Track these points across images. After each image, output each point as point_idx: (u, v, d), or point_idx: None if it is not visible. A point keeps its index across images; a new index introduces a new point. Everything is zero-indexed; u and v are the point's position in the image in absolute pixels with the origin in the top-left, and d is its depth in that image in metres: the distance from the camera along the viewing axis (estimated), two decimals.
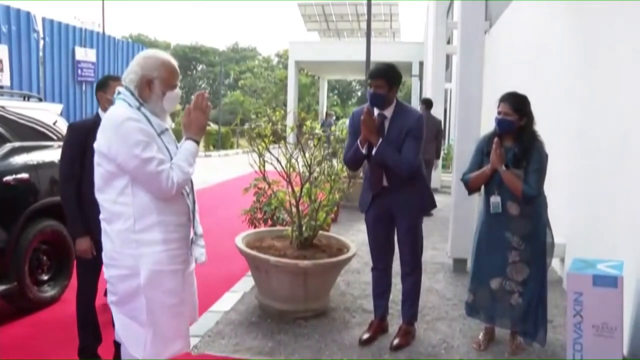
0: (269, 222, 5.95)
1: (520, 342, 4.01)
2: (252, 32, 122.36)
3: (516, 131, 3.78)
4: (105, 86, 3.69)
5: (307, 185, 4.80)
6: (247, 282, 5.37)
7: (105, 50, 12.29)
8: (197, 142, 2.69)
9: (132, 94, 2.57)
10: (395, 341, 4.04)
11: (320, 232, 4.93)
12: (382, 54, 23.91)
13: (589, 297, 3.63)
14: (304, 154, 4.80)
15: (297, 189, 4.78)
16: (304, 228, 4.66)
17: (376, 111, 3.90)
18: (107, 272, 2.63)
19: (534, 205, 3.76)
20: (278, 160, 4.80)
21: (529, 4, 8.01)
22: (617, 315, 3.58)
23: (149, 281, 2.52)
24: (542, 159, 3.74)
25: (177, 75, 2.68)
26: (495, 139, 3.75)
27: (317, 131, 5.24)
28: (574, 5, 5.77)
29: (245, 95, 46.72)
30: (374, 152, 3.83)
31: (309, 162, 4.77)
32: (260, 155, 4.75)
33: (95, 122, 3.60)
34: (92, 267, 3.50)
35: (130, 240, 2.51)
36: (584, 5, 5.43)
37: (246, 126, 5.39)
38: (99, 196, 2.60)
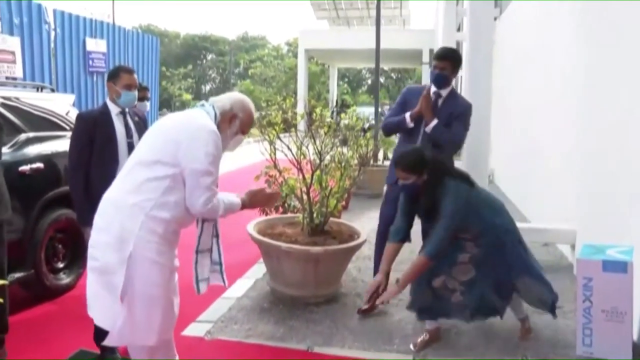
0: (280, 209, 6.00)
1: (529, 327, 4.03)
2: (261, 21, 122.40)
3: (423, 188, 3.57)
4: (116, 77, 3.70)
5: (317, 172, 4.84)
6: (259, 269, 5.44)
7: (116, 40, 12.34)
8: (244, 207, 2.94)
9: (215, 117, 2.77)
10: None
11: (331, 218, 4.97)
12: (393, 41, 23.83)
13: (598, 283, 3.65)
14: (315, 141, 4.83)
15: (307, 176, 4.83)
16: (314, 215, 4.71)
17: (433, 89, 4.23)
18: (97, 236, 2.67)
19: (472, 224, 3.62)
20: (289, 148, 4.84)
21: None
22: (627, 300, 3.60)
23: (134, 263, 2.56)
24: (454, 203, 3.49)
25: (252, 126, 2.97)
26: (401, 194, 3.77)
27: (328, 119, 5.27)
28: None
29: (255, 84, 46.76)
30: (428, 128, 4.11)
31: (320, 150, 4.80)
32: (271, 143, 4.79)
33: (103, 112, 3.68)
34: None
35: (136, 218, 2.57)
36: None
37: (257, 115, 5.43)
38: (137, 167, 2.69)
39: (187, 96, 51.49)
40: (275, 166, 4.98)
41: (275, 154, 4.84)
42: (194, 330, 4.06)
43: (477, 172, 5.95)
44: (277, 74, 47.22)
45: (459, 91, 4.97)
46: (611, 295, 3.63)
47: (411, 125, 4.18)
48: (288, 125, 5.01)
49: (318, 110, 5.05)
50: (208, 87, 69.45)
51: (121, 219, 2.60)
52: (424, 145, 4.05)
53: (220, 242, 3.03)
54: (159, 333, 2.71)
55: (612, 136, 4.67)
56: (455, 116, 4.15)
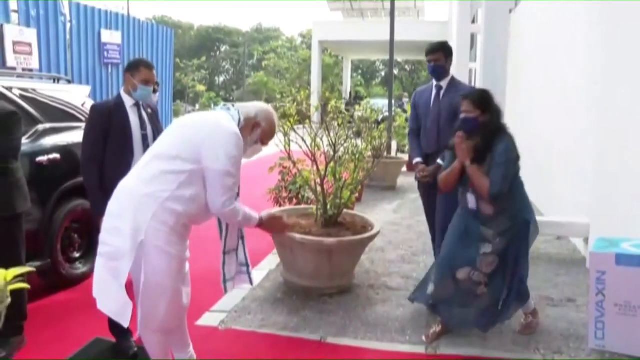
0: (294, 200, 6.03)
1: (529, 323, 4.00)
2: (275, 13, 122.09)
3: (481, 127, 3.63)
4: (135, 70, 3.68)
5: (331, 164, 4.85)
6: (272, 260, 5.47)
7: (130, 32, 12.39)
8: (259, 227, 3.11)
9: (239, 122, 2.82)
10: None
11: (345, 210, 4.99)
12: (407, 33, 23.68)
13: (612, 276, 3.65)
14: (329, 133, 4.85)
15: (321, 167, 4.84)
16: (328, 206, 4.72)
17: (434, 82, 4.50)
18: (110, 221, 2.70)
19: (507, 202, 3.61)
20: (303, 140, 4.86)
21: None
22: None
23: (144, 252, 2.62)
24: (509, 153, 3.55)
25: (272, 137, 3.03)
26: (458, 133, 3.65)
27: (343, 111, 5.29)
28: None
29: (269, 75, 46.78)
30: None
31: (334, 142, 4.82)
32: (286, 134, 4.81)
33: (117, 103, 3.67)
34: None
35: (149, 207, 2.62)
36: None
37: (289, 102, 5.44)
38: (155, 160, 2.74)
39: (201, 87, 51.59)
40: (290, 157, 5.00)
41: (289, 145, 4.86)
42: (208, 320, 4.10)
43: None
44: (291, 65, 47.19)
45: (473, 85, 5.02)
46: (624, 289, 3.63)
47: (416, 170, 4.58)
48: (302, 117, 5.03)
49: (332, 102, 5.06)
50: (222, 79, 69.56)
51: (135, 207, 2.63)
52: (435, 137, 4.42)
53: (246, 243, 3.13)
54: (162, 321, 2.76)
55: (627, 131, 4.64)
56: (454, 105, 4.09)
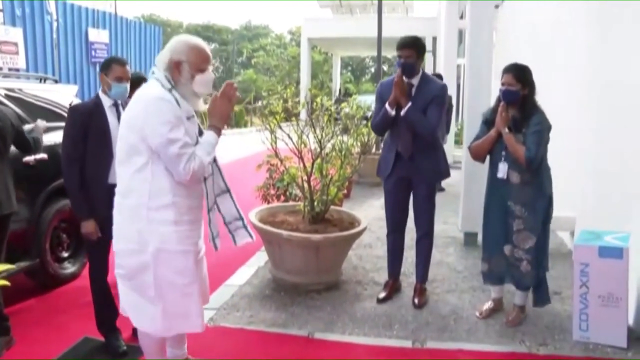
0: (282, 197, 6.04)
1: (519, 315, 4.09)
2: (264, 10, 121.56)
3: (520, 100, 3.86)
4: (107, 68, 3.64)
5: (318, 161, 4.88)
6: (261, 257, 5.50)
7: (118, 31, 12.36)
8: (219, 130, 2.77)
9: (165, 76, 2.64)
10: (417, 300, 4.38)
11: (332, 207, 5.01)
12: (396, 29, 23.66)
13: (594, 268, 3.71)
14: (315, 130, 4.86)
15: (308, 164, 4.87)
16: (315, 203, 4.75)
17: (406, 80, 4.22)
18: (115, 244, 2.71)
19: (534, 173, 3.83)
20: (289, 137, 4.88)
21: None
22: (622, 285, 3.66)
23: (158, 259, 2.60)
24: (543, 123, 3.82)
25: (207, 59, 2.71)
26: (502, 103, 3.87)
27: (330, 108, 5.29)
28: None
29: (258, 73, 46.68)
30: (403, 112, 4.12)
31: (320, 138, 4.84)
32: (272, 132, 4.83)
33: (97, 103, 3.62)
34: (101, 244, 3.56)
35: (141, 217, 2.58)
36: None
37: (259, 104, 5.45)
38: (119, 168, 2.68)
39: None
40: (277, 155, 5.02)
41: (276, 142, 4.88)
42: None
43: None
44: (280, 63, 47.13)
45: (461, 81, 4.99)
46: (607, 281, 3.69)
47: (392, 112, 4.16)
48: (289, 114, 5.04)
49: (318, 99, 5.07)
50: None
51: (128, 223, 2.63)
52: (404, 132, 4.20)
53: (234, 195, 2.99)
54: (201, 317, 2.77)
55: (613, 126, 4.69)
56: (429, 101, 4.16)
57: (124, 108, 3.68)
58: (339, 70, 43.16)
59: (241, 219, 3.00)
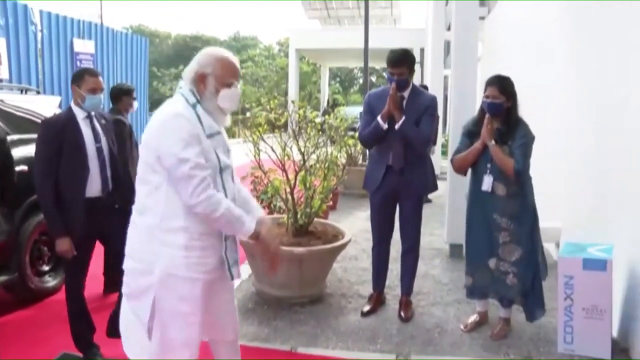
0: (266, 210, 6.00)
1: (506, 328, 4.08)
2: (253, 21, 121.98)
3: (504, 112, 3.86)
4: (80, 80, 3.54)
5: (302, 172, 4.85)
6: (244, 270, 5.41)
7: (104, 41, 12.28)
8: (252, 234, 2.52)
9: (191, 90, 2.52)
10: (403, 313, 4.36)
11: (316, 219, 4.98)
12: (383, 40, 23.79)
13: (579, 281, 3.70)
14: (297, 142, 4.83)
15: (292, 177, 4.83)
16: (299, 215, 4.72)
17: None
18: (125, 262, 2.56)
19: (520, 185, 3.83)
20: (272, 149, 4.84)
21: None
22: (606, 297, 3.64)
23: (162, 283, 2.44)
24: (528, 135, 3.83)
25: (234, 73, 2.56)
26: (487, 116, 3.85)
27: (317, 119, 5.27)
28: None
29: (246, 84, 46.64)
30: (398, 125, 4.12)
31: (303, 150, 4.81)
32: (255, 144, 4.79)
33: (69, 116, 3.51)
34: (78, 261, 3.50)
35: (153, 237, 2.45)
36: None
37: (247, 115, 5.43)
38: (137, 186, 2.55)
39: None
40: (260, 167, 4.98)
41: (259, 155, 4.84)
42: None
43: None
44: (269, 73, 47.13)
45: (449, 92, 4.98)
46: (591, 293, 3.68)
47: (385, 126, 4.14)
48: (273, 126, 5.01)
49: (301, 111, 5.05)
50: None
51: (141, 242, 2.50)
52: (396, 145, 4.17)
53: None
54: (195, 348, 2.57)
55: (598, 137, 4.69)
56: (420, 113, 4.17)
57: (97, 120, 3.63)
58: (327, 81, 43.21)
59: (237, 252, 2.80)
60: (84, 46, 11.48)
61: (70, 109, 3.57)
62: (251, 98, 30.90)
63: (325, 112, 22.22)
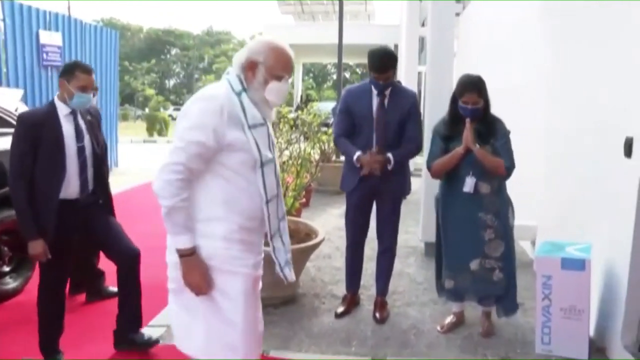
0: None
1: (492, 324, 4.05)
2: (226, 16, 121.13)
3: (483, 113, 3.80)
4: (70, 75, 3.32)
5: None
6: None
7: (72, 33, 11.92)
8: (180, 252, 2.27)
9: (238, 76, 2.35)
10: (378, 314, 4.26)
11: (289, 217, 4.84)
12: (358, 36, 23.83)
13: (557, 281, 3.64)
14: None
15: None
16: None
17: (375, 92, 4.05)
18: (168, 256, 2.39)
19: (501, 181, 3.82)
20: None
21: None
22: (584, 298, 3.60)
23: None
24: (506, 130, 3.81)
25: (286, 65, 2.38)
26: (468, 121, 3.74)
27: (290, 115, 5.15)
28: None
29: (219, 79, 46.36)
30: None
31: (275, 146, 4.67)
32: None
33: (50, 112, 3.31)
34: (55, 263, 3.33)
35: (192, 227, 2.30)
36: None
37: None
38: None
39: (151, 91, 50.77)
40: None
41: None
42: (146, 334, 3.89)
43: None
44: None
45: (423, 88, 4.89)
46: (569, 293, 3.64)
47: (358, 165, 4.02)
48: None
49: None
50: (172, 82, 68.59)
51: None
52: (380, 143, 4.03)
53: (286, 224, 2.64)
54: (244, 347, 2.38)
55: (575, 136, 4.65)
56: (405, 113, 4.05)
57: (83, 117, 3.41)
58: (300, 77, 43.12)
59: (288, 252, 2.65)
60: (51, 38, 11.13)
61: (52, 104, 3.34)
62: None
63: (298, 108, 22.11)
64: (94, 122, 3.54)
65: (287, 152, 4.86)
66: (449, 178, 3.90)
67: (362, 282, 4.56)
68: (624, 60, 3.64)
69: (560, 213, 4.95)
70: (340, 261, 5.59)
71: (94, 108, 3.66)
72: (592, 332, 3.81)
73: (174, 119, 33.25)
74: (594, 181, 4.08)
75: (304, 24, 36.82)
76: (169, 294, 2.46)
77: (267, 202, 2.38)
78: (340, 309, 4.34)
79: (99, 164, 3.51)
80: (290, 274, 2.57)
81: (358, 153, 4.00)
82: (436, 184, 5.82)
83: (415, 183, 5.26)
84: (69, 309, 3.60)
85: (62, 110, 3.34)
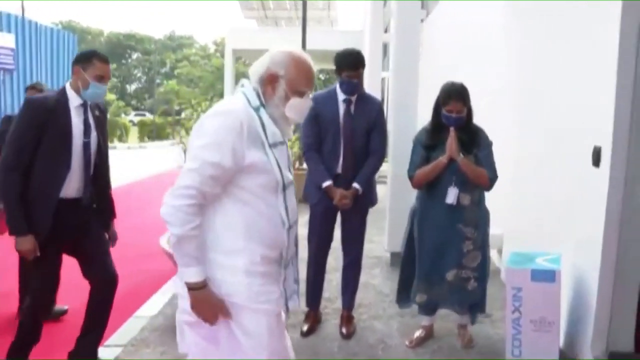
0: None
1: (470, 334, 3.99)
2: (189, 20, 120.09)
3: (466, 122, 3.74)
4: (87, 62, 3.04)
5: None
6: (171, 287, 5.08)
7: (26, 35, 11.54)
8: (189, 285, 2.07)
9: (255, 90, 2.15)
10: (344, 329, 4.12)
11: None
12: (321, 42, 23.76)
13: (527, 293, 3.57)
14: None
15: None
16: None
17: (343, 96, 3.99)
18: (177, 283, 2.21)
19: (481, 191, 3.77)
20: None
21: None
22: (554, 309, 3.54)
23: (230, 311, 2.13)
24: (489, 143, 3.77)
25: (310, 80, 2.20)
26: (452, 130, 3.66)
27: None
28: None
29: (181, 84, 45.87)
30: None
31: None
32: (186, 150, 4.44)
33: (60, 100, 3.02)
34: (45, 267, 3.12)
35: (209, 260, 2.10)
36: None
37: (183, 115, 5.08)
38: None
39: (111, 96, 49.84)
40: None
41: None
42: (101, 356, 3.67)
43: (403, 174, 5.83)
44: (204, 74, 46.51)
45: (386, 94, 4.80)
46: (539, 305, 3.57)
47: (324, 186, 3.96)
48: None
49: None
50: (133, 87, 67.61)
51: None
52: (348, 153, 3.98)
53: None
54: None
55: (541, 143, 4.62)
56: (371, 121, 4.00)
57: (92, 111, 3.13)
58: None
59: (298, 282, 2.43)
60: (3, 39, 10.74)
61: (63, 92, 3.07)
62: (186, 98, 30.34)
63: None
64: (102, 118, 3.29)
65: None
66: (429, 188, 3.80)
67: (327, 295, 4.44)
68: (592, 68, 3.60)
69: (528, 222, 4.91)
70: (302, 273, 5.44)
71: (102, 104, 3.40)
72: (562, 343, 3.76)
73: (135, 124, 32.71)
74: (563, 190, 4.04)
75: (268, 29, 36.67)
76: (184, 326, 2.26)
77: (290, 228, 2.20)
78: (305, 327, 4.16)
79: (102, 163, 3.28)
80: (294, 305, 2.35)
81: (328, 183, 3.95)
82: (403, 191, 5.79)
83: (381, 190, 5.15)
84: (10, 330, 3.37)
85: (74, 100, 3.08)
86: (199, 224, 2.03)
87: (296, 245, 2.36)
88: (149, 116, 26.17)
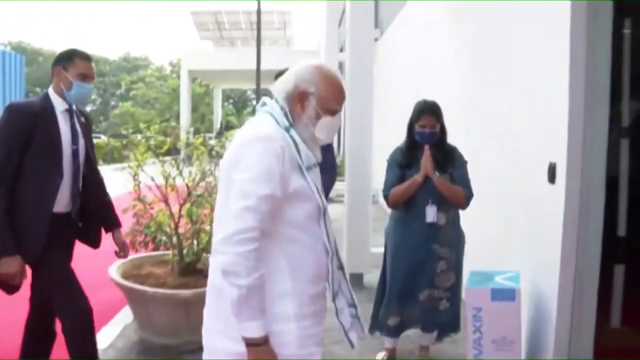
0: (150, 245, 5.47)
1: (432, 357, 3.97)
2: (144, 41, 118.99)
3: (440, 138, 3.72)
4: (68, 61, 2.86)
5: (187, 205, 4.37)
6: (127, 314, 4.86)
7: None
8: (251, 341, 1.80)
9: (282, 109, 1.96)
10: None
11: (206, 254, 4.53)
12: (277, 62, 23.78)
13: (488, 312, 3.53)
14: (181, 171, 4.37)
15: (175, 210, 4.36)
16: (185, 252, 4.25)
17: None
18: (222, 342, 1.93)
19: (456, 211, 3.75)
20: (152, 179, 4.35)
21: (418, 6, 8.04)
22: (515, 328, 3.52)
23: None
24: (464, 161, 3.75)
25: (341, 97, 2.02)
26: (426, 147, 3.63)
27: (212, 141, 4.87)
28: (453, 5, 5.79)
29: (137, 106, 45.29)
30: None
31: (189, 180, 4.36)
32: (135, 174, 4.28)
33: (44, 106, 2.79)
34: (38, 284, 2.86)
35: (228, 291, 1.83)
36: (461, 5, 5.44)
37: (139, 137, 4.90)
38: (216, 230, 1.96)
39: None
40: (139, 199, 4.44)
41: (139, 185, 4.33)
42: None
43: (361, 192, 5.83)
44: (160, 95, 46.00)
45: (343, 112, 4.77)
46: (500, 325, 3.54)
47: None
48: (155, 154, 4.51)
49: (185, 137, 4.62)
50: (88, 109, 66.13)
51: (219, 297, 1.92)
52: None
53: (347, 276, 2.20)
54: None
55: (494, 157, 4.62)
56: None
57: (77, 116, 2.92)
58: (220, 103, 42.80)
59: (354, 305, 2.18)
60: None
61: (47, 97, 2.85)
62: (142, 120, 29.92)
63: (218, 134, 21.80)
64: (87, 125, 3.09)
65: (203, 184, 4.55)
66: (405, 207, 3.75)
67: None
68: (544, 84, 3.62)
69: (485, 239, 4.88)
70: None
71: (86, 110, 3.21)
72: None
73: None
74: (519, 207, 4.04)
75: (223, 50, 36.65)
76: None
77: (333, 256, 2.02)
78: None
79: (92, 171, 3.08)
80: (355, 338, 2.16)
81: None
82: (359, 212, 5.74)
83: (336, 209, 5.08)
84: None
85: (59, 105, 2.87)
86: (259, 268, 1.79)
87: (341, 269, 2.12)
88: (103, 138, 25.63)
